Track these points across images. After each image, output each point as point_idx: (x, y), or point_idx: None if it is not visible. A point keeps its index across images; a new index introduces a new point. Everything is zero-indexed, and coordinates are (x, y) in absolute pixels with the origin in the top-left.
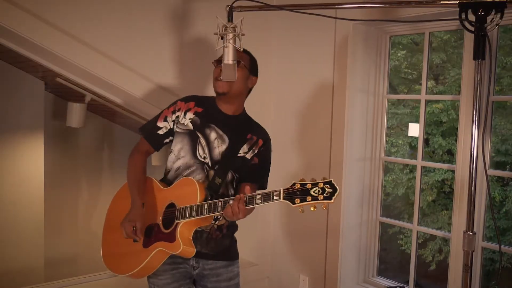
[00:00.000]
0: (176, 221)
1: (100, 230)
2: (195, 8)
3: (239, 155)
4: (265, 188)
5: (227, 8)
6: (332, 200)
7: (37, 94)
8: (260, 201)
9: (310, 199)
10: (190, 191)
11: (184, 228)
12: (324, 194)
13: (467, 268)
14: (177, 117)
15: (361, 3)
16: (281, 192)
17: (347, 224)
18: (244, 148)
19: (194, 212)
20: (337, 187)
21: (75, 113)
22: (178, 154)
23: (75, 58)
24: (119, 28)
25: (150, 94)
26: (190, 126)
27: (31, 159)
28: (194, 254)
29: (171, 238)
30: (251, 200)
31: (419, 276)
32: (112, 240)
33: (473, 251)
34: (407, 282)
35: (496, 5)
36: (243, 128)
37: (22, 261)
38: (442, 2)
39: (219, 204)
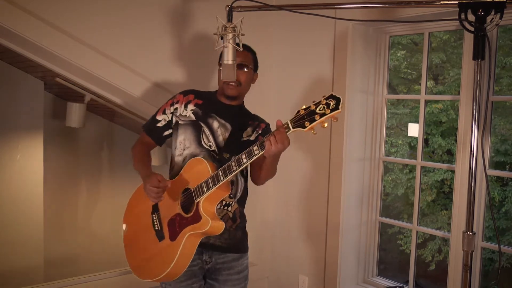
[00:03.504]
0: (196, 201)
1: (99, 229)
2: (195, 8)
3: (244, 139)
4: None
5: (227, 8)
6: (339, 109)
7: (36, 94)
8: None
9: (318, 117)
10: (201, 169)
11: (207, 204)
12: (330, 107)
13: (467, 268)
14: (176, 109)
15: (360, 3)
16: (289, 123)
17: (347, 224)
18: (248, 131)
19: (211, 183)
20: (339, 97)
21: (75, 113)
22: (183, 145)
23: (74, 58)
24: (119, 27)
25: (149, 93)
26: (193, 117)
27: (31, 159)
28: (223, 228)
29: (196, 218)
30: (262, 144)
31: (419, 276)
32: (136, 250)
33: (473, 251)
34: (406, 282)
35: (496, 5)
36: (244, 116)
37: (22, 261)
38: (442, 2)
39: (233, 164)
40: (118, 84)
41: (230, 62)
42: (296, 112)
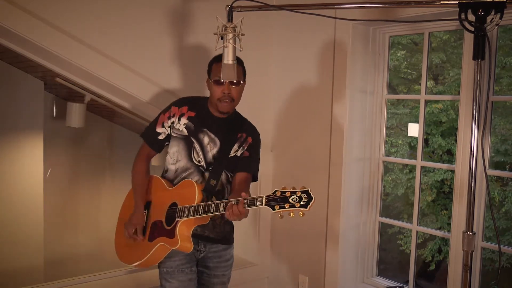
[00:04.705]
0: (176, 219)
1: (100, 229)
2: (195, 8)
3: (231, 155)
4: (256, 179)
5: (227, 8)
6: (307, 209)
7: (36, 94)
8: (246, 206)
9: (288, 206)
10: (189, 192)
11: (183, 226)
12: (301, 203)
13: (467, 268)
14: (173, 122)
15: (360, 3)
16: (264, 198)
17: (347, 224)
18: (235, 147)
19: (191, 212)
20: (313, 196)
21: (75, 113)
22: (175, 157)
23: (74, 58)
24: (119, 27)
25: (149, 93)
26: (185, 132)
27: (31, 159)
28: (191, 250)
29: (171, 234)
30: (227, 204)
31: (419, 276)
32: (122, 234)
33: (473, 251)
34: (406, 282)
35: (496, 5)
36: (234, 128)
37: (22, 261)
38: (442, 2)
39: (212, 206)
40: (118, 84)
41: (230, 62)
42: (273, 191)
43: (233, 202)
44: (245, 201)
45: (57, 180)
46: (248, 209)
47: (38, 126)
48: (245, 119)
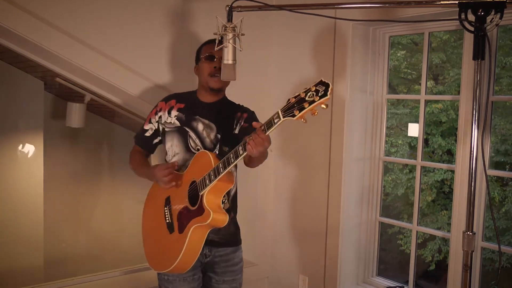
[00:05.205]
0: (200, 194)
1: (100, 229)
2: (195, 8)
3: (234, 132)
4: None
5: (227, 8)
6: (328, 96)
7: (36, 94)
8: (264, 131)
9: (307, 105)
10: (205, 161)
11: (210, 196)
12: (319, 94)
13: (467, 268)
14: (160, 117)
15: (360, 3)
16: (279, 112)
17: (347, 224)
18: (233, 125)
19: (212, 176)
20: (329, 83)
21: (75, 113)
22: (172, 151)
23: (74, 58)
24: (119, 27)
25: (149, 93)
26: (177, 123)
27: (31, 159)
28: (227, 220)
29: (200, 211)
30: (245, 144)
31: (419, 276)
32: (151, 242)
33: (473, 251)
34: (406, 282)
35: (496, 5)
36: (229, 109)
37: (22, 261)
38: (442, 2)
39: (231, 156)
40: (118, 84)
41: (230, 62)
42: (287, 100)
43: (251, 137)
44: (262, 127)
45: (57, 180)
46: (269, 136)
47: (38, 126)
48: (238, 104)
